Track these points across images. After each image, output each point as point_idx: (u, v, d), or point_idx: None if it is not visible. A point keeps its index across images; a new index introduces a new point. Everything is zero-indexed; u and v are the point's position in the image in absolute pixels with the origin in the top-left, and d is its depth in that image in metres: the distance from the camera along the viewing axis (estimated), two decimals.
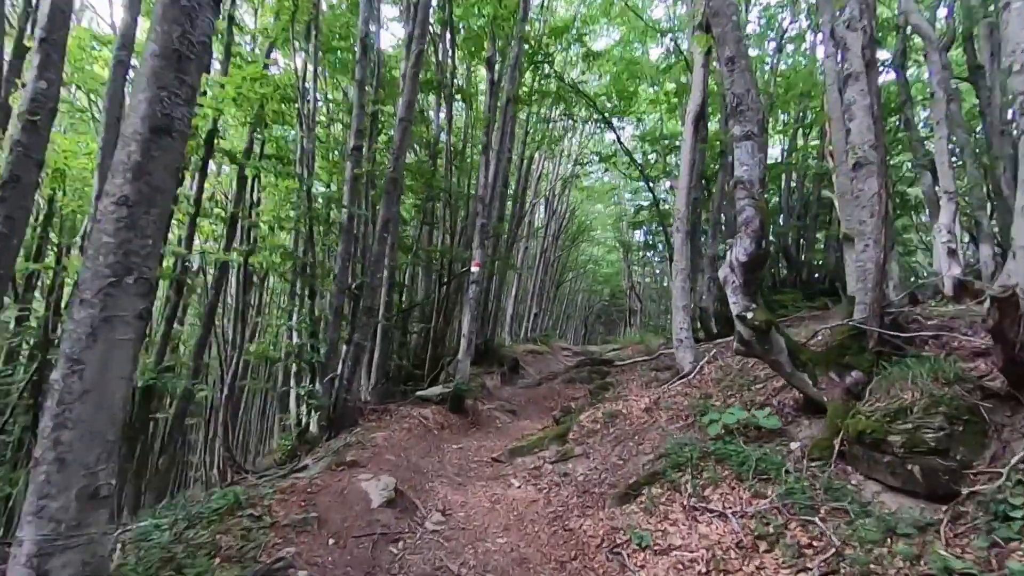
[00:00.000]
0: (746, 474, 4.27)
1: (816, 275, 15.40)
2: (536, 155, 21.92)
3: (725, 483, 4.30)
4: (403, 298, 11.28)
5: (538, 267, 25.74)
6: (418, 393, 8.94)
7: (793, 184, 16.18)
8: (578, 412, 7.74)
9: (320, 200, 7.72)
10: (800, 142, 15.91)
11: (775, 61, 15.30)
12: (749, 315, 4.73)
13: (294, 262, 7.59)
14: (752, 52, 15.33)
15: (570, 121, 16.79)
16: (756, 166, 4.56)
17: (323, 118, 11.91)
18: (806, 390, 4.83)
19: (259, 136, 8.72)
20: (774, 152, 16.96)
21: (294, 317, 7.81)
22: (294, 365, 7.58)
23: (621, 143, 13.30)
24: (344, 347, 7.62)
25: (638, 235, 37.23)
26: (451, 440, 7.48)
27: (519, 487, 5.47)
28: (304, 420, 7.28)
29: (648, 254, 38.06)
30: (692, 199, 9.09)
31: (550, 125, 17.39)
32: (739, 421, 4.87)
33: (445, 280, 10.59)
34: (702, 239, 13.77)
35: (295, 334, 7.85)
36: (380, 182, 8.46)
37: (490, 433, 8.36)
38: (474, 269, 9.05)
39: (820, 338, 6.05)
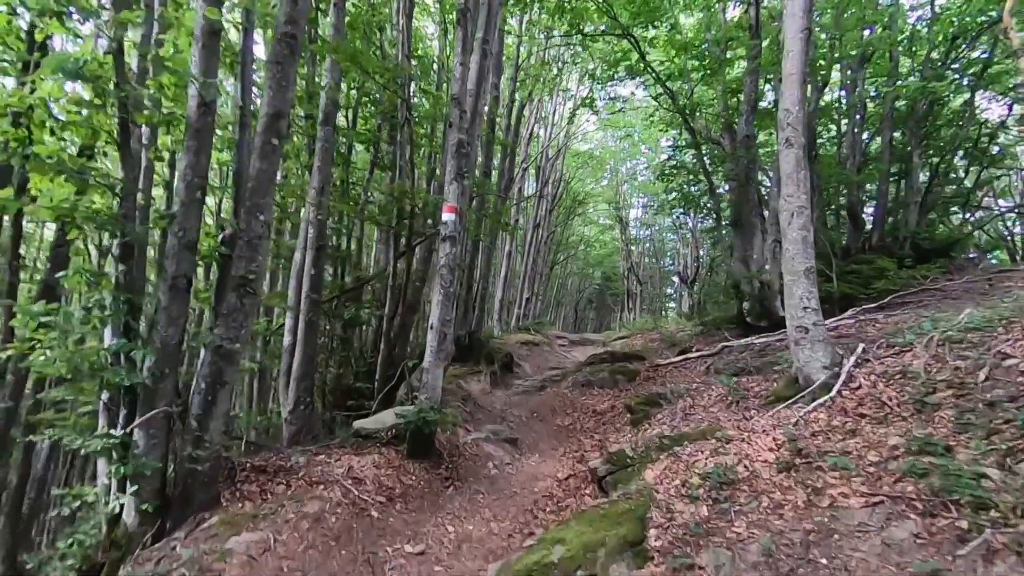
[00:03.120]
0: None
1: (889, 239, 12.05)
2: (527, 110, 18.30)
3: None
4: (345, 273, 7.65)
5: (529, 245, 22.14)
6: (356, 425, 5.33)
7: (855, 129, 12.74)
8: (640, 463, 4.22)
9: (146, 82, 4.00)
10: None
11: None
12: None
13: (92, 189, 3.90)
14: None
15: (571, 49, 13.11)
16: None
17: None
18: None
19: None
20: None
21: (86, 299, 4.05)
22: (103, 390, 3.90)
23: (647, 63, 9.70)
24: (203, 353, 3.97)
25: (634, 213, 33.82)
26: (404, 529, 3.91)
27: None
28: (115, 501, 3.63)
29: (643, 232, 34.80)
30: (805, 99, 5.52)
31: (546, 52, 13.66)
32: None
33: (405, 245, 6.93)
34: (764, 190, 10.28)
35: (104, 330, 4.14)
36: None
37: (479, 497, 4.80)
38: (447, 217, 5.42)
39: None
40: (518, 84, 14.26)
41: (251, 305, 4.04)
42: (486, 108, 9.97)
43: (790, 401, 4.73)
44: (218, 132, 5.15)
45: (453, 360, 12.07)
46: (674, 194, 11.61)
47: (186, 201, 3.91)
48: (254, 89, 5.09)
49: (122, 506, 3.69)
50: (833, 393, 4.42)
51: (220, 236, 4.25)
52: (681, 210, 12.08)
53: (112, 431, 3.72)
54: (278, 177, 5.22)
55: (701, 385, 6.54)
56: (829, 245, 10.30)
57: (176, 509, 3.75)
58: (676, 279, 35.54)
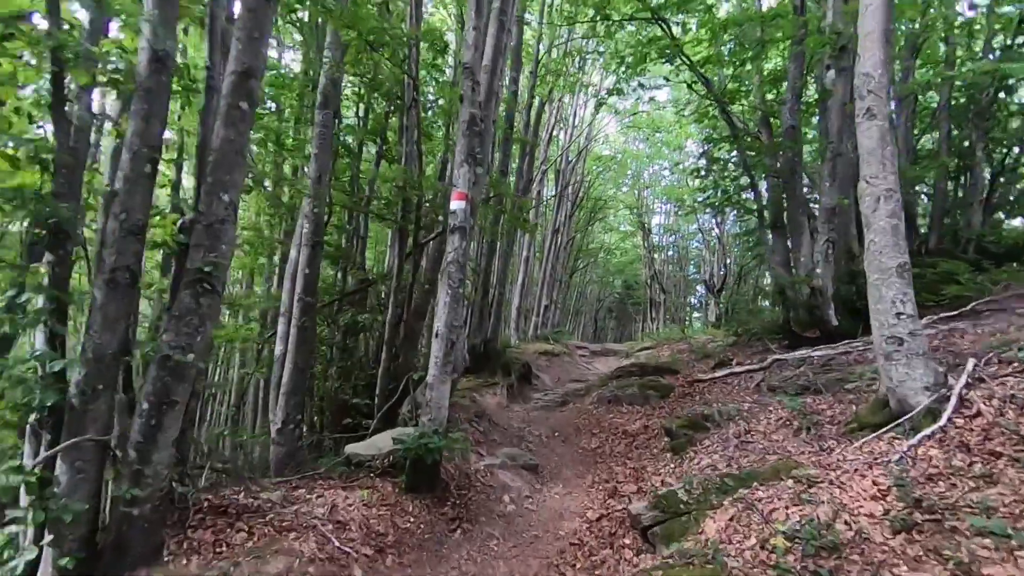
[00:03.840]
0: None
1: (947, 242, 10.89)
2: (546, 109, 17.57)
3: None
4: (345, 275, 6.89)
5: (548, 251, 21.25)
6: (348, 451, 4.50)
7: (906, 123, 11.64)
8: (697, 511, 3.30)
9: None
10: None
11: None
12: None
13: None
14: None
15: (594, 41, 12.32)
16: None
17: None
18: None
19: None
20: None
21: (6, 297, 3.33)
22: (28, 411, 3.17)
23: (679, 47, 8.82)
24: (149, 369, 3.20)
25: (656, 219, 32.64)
26: None
27: None
28: (20, 556, 2.87)
29: (668, 238, 33.68)
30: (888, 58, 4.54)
31: (568, 44, 12.87)
32: None
33: (412, 242, 6.13)
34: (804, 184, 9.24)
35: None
36: None
37: (492, 544, 3.92)
38: (455, 205, 4.61)
39: None
40: (538, 80, 13.50)
41: (210, 306, 3.27)
42: (503, 89, 9.20)
43: (882, 431, 3.77)
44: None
45: (467, 371, 11.24)
46: (708, 193, 10.61)
47: (131, 176, 3.17)
48: None
49: (33, 562, 2.91)
50: (943, 422, 3.46)
51: (179, 222, 3.49)
52: (713, 211, 10.99)
53: (27, 463, 2.96)
54: (251, 152, 4.48)
55: (754, 405, 5.57)
56: None
57: (108, 563, 2.96)
58: (702, 288, 34.27)
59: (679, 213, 30.63)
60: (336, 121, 7.64)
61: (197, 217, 3.32)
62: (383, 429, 5.30)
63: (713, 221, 26.40)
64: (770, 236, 9.70)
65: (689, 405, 6.78)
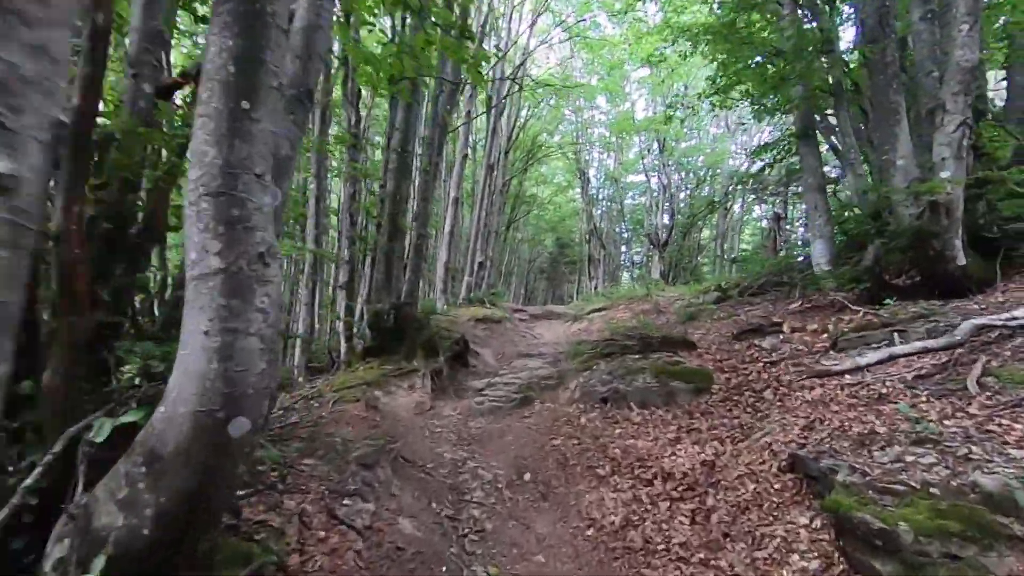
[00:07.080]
0: None
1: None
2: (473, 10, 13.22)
3: None
4: None
5: (482, 194, 17.17)
6: None
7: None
8: None
9: None
10: None
11: None
12: None
13: None
14: None
15: None
16: None
17: None
18: None
19: None
20: None
21: None
22: None
23: None
24: None
25: (593, 171, 29.34)
26: None
27: None
28: None
29: (606, 191, 30.65)
30: None
31: None
32: None
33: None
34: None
35: None
36: None
37: None
38: None
39: None
40: None
41: None
42: None
43: None
44: None
45: (369, 353, 7.29)
46: (729, 72, 6.92)
47: None
48: None
49: None
50: None
51: None
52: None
53: None
54: None
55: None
56: None
57: None
58: (639, 244, 31.91)
59: (619, 162, 27.60)
60: None
61: None
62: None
63: (660, 164, 23.64)
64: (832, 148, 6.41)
65: (777, 415, 3.30)
